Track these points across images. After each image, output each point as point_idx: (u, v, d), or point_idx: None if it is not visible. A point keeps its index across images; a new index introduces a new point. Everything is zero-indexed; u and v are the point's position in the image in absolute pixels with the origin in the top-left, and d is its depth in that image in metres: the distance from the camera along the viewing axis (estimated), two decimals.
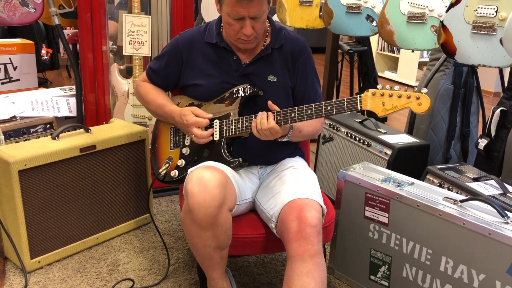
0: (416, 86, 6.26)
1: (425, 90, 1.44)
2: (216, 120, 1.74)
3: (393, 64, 6.79)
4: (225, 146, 1.72)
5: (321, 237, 1.49)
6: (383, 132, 2.51)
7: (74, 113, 2.77)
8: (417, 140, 2.42)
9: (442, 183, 2.10)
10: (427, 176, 2.18)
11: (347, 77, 4.98)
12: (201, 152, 1.76)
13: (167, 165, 1.82)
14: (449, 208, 1.67)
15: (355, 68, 3.48)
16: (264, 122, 1.55)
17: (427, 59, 6.29)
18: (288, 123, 1.59)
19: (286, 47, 1.76)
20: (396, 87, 1.47)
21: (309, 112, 1.55)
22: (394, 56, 6.67)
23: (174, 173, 1.79)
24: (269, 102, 1.59)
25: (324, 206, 1.60)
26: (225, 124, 1.72)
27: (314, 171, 2.89)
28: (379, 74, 6.74)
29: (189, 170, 1.58)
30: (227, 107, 1.74)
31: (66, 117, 2.85)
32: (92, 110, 2.61)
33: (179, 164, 1.79)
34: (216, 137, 1.72)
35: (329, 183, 2.76)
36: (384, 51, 6.80)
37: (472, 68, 2.67)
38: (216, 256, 1.57)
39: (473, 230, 1.58)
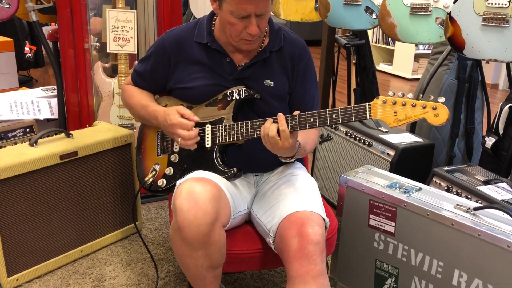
0: (412, 80, 6.13)
1: (442, 100, 1.29)
2: (208, 125, 1.58)
3: (389, 57, 6.65)
4: (218, 154, 1.57)
5: (325, 255, 1.35)
6: (384, 131, 2.37)
7: (56, 115, 2.61)
8: (421, 140, 2.28)
9: (450, 186, 1.97)
10: (433, 179, 2.05)
11: (343, 71, 4.84)
12: (192, 160, 1.60)
13: (154, 173, 1.66)
14: (462, 217, 1.53)
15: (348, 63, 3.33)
16: (267, 127, 1.40)
17: (423, 51, 6.16)
18: (289, 130, 1.44)
19: (286, 49, 1.61)
20: (409, 95, 1.33)
21: (311, 120, 1.40)
22: (389, 48, 6.53)
23: (162, 182, 1.64)
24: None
25: (327, 219, 1.46)
26: (218, 130, 1.57)
27: (312, 172, 2.74)
28: None
29: (177, 182, 1.43)
30: (220, 111, 1.59)
31: (48, 120, 2.68)
32: (75, 112, 2.45)
33: (167, 172, 1.64)
34: (208, 144, 1.57)
35: (328, 185, 2.62)
36: (379, 43, 6.66)
37: (476, 61, 2.53)
38: (209, 275, 1.43)
39: (490, 242, 1.45)
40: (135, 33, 2.59)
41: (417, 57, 6.14)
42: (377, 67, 6.60)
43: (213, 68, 1.59)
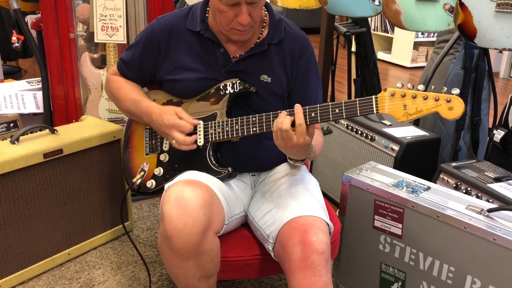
0: (411, 68, 6.00)
1: (456, 91, 1.17)
2: (200, 122, 1.46)
3: (387, 45, 6.51)
4: (211, 153, 1.45)
5: (330, 265, 1.24)
6: (387, 124, 2.25)
7: (42, 109, 2.48)
8: (427, 133, 2.16)
9: (458, 183, 1.86)
10: (441, 176, 1.94)
11: (341, 59, 4.70)
12: (183, 159, 1.48)
13: (142, 173, 1.54)
14: (475, 220, 1.42)
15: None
16: (280, 121, 1.26)
17: (423, 39, 6.03)
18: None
19: (286, 43, 1.48)
20: (420, 86, 1.20)
21: (312, 115, 1.28)
22: (388, 36, 6.39)
23: (151, 183, 1.52)
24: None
25: (331, 224, 1.34)
26: (211, 127, 1.44)
27: (311, 167, 2.63)
28: None
29: (165, 186, 1.31)
30: (213, 106, 1.46)
31: (34, 114, 2.55)
32: (61, 105, 2.32)
33: (156, 172, 1.52)
34: (200, 142, 1.45)
35: (328, 181, 2.51)
36: (377, 31, 6.52)
37: (484, 50, 2.41)
38: (203, 285, 1.31)
39: (507, 247, 1.34)
40: (124, 22, 2.45)
41: (417, 45, 6.01)
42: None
43: (206, 59, 1.46)
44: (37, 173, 1.81)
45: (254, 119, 1.38)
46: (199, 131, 1.45)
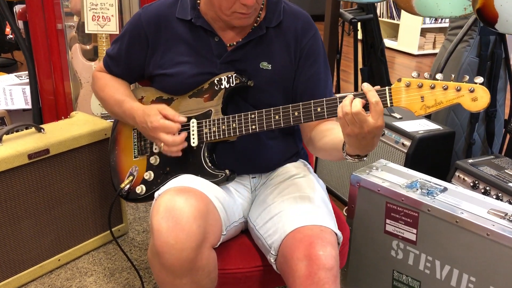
0: (418, 56, 5.83)
1: (480, 80, 1.03)
2: (194, 120, 1.32)
3: (393, 32, 6.33)
4: (206, 154, 1.31)
5: (339, 282, 1.10)
6: (398, 117, 2.11)
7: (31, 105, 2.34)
8: (440, 127, 2.02)
9: (476, 182, 1.72)
10: (456, 173, 1.80)
11: (346, 47, 4.53)
12: (175, 162, 1.35)
13: (131, 178, 1.41)
14: (499, 226, 1.28)
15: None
16: (347, 104, 1.06)
17: (430, 26, 5.84)
18: (291, 123, 1.19)
19: (286, 24, 1.33)
20: (438, 76, 1.06)
21: (318, 109, 1.14)
22: (394, 22, 6.20)
23: (140, 189, 1.39)
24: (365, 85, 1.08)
25: (339, 233, 1.21)
26: (205, 126, 1.31)
27: (316, 163, 2.49)
28: None
29: (156, 194, 1.18)
30: (207, 103, 1.32)
31: (25, 110, 2.42)
32: (50, 100, 2.19)
33: (146, 177, 1.39)
34: (194, 142, 1.31)
35: (333, 177, 2.37)
36: (383, 17, 6.33)
37: (500, 36, 2.25)
38: None
39: None
40: (117, 11, 2.31)
41: (424, 32, 5.82)
42: None
43: (199, 50, 1.32)
44: (22, 175, 1.69)
45: (253, 116, 1.24)
46: (193, 131, 1.32)
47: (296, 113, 1.18)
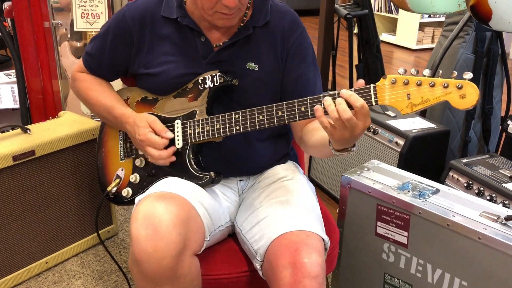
0: (417, 50, 5.78)
1: (469, 75, 0.99)
2: (178, 121, 1.29)
3: (392, 26, 6.27)
4: (191, 156, 1.28)
5: None
6: (391, 115, 2.07)
7: None
8: (435, 125, 1.98)
9: (470, 182, 1.69)
10: (450, 173, 1.77)
11: (343, 42, 4.49)
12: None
13: (118, 180, 1.38)
14: (491, 230, 1.25)
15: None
16: (342, 108, 1.02)
17: (428, 20, 5.79)
18: (275, 124, 1.15)
19: (273, 22, 1.29)
20: (425, 72, 1.02)
21: (302, 109, 1.11)
22: (392, 17, 6.15)
23: (127, 191, 1.36)
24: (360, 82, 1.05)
25: (326, 239, 1.18)
26: (190, 127, 1.27)
27: (310, 162, 2.46)
28: None
29: (136, 199, 1.15)
30: (192, 103, 1.29)
31: (14, 109, 2.39)
32: (39, 100, 2.15)
33: (131, 179, 1.35)
34: (179, 144, 1.28)
35: (328, 176, 2.34)
36: (381, 11, 6.27)
37: (497, 32, 2.21)
38: None
39: None
40: (106, 8, 2.27)
41: (422, 26, 5.77)
42: (380, 37, 6.22)
43: (185, 50, 1.29)
44: (6, 178, 1.66)
45: (237, 116, 1.20)
46: (177, 132, 1.28)
47: (280, 113, 1.15)
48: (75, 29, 2.26)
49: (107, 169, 1.43)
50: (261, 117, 1.17)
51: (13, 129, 1.82)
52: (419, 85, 1.01)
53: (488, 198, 1.62)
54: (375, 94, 1.04)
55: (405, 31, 5.87)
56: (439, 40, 2.38)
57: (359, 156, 2.12)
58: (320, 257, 1.08)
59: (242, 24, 1.28)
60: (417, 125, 1.98)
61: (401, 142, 1.91)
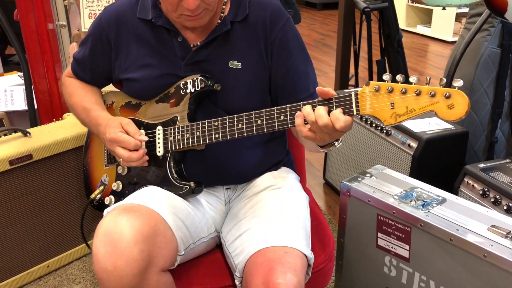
0: (453, 43, 5.51)
1: (459, 83, 0.88)
2: (160, 127, 1.23)
3: (427, 18, 6.01)
4: (172, 164, 1.22)
5: None
6: None
7: None
8: (452, 126, 1.84)
9: (486, 190, 1.55)
10: (465, 179, 1.63)
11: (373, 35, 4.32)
12: (141, 172, 1.26)
13: (102, 187, 1.34)
14: (499, 247, 1.12)
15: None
16: (312, 118, 0.98)
17: (466, 10, 5.49)
18: (254, 132, 1.07)
19: (253, 17, 1.21)
20: (412, 79, 0.91)
21: (282, 117, 1.03)
22: (427, 8, 5.88)
23: (109, 200, 1.31)
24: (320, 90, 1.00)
25: (310, 255, 1.09)
26: (171, 134, 1.21)
27: (325, 163, 2.36)
28: (411, 29, 6.00)
29: (105, 211, 1.10)
30: (173, 108, 1.22)
31: (27, 111, 2.40)
32: (46, 101, 2.15)
33: (114, 187, 1.31)
34: (160, 151, 1.22)
35: (342, 178, 2.22)
36: (415, 2, 6.01)
37: None
38: None
39: None
40: None
41: (459, 17, 5.49)
42: (415, 30, 5.98)
43: (162, 52, 1.22)
44: (3, 182, 1.65)
45: (216, 124, 1.13)
46: (158, 139, 1.22)
47: (259, 121, 1.07)
48: (83, 30, 2.24)
49: (92, 176, 1.39)
50: (240, 125, 1.09)
51: (15, 132, 1.81)
52: (404, 93, 0.91)
53: (505, 207, 1.48)
54: (357, 102, 0.95)
55: (441, 23, 5.61)
56: (461, 34, 2.22)
57: (374, 157, 2.01)
58: (295, 277, 0.99)
59: (219, 21, 1.20)
60: (433, 126, 1.84)
61: (414, 144, 1.78)
